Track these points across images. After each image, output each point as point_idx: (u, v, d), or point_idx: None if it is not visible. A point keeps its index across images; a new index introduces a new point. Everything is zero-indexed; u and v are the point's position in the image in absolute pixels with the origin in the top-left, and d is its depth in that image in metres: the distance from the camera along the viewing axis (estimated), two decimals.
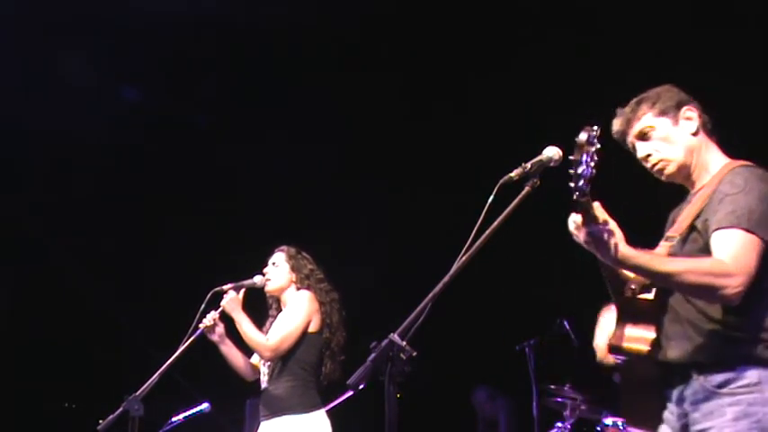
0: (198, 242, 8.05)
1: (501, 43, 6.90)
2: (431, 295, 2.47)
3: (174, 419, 4.95)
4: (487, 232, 2.50)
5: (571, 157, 2.39)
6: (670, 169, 2.81)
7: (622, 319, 2.75)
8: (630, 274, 2.73)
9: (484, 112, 7.31)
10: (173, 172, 7.91)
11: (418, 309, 2.46)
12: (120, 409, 3.84)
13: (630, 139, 2.87)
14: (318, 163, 7.77)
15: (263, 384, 4.42)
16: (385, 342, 2.39)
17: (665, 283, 2.58)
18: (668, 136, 2.79)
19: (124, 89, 7.53)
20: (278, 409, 4.29)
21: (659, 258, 2.56)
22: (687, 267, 2.48)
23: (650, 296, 2.70)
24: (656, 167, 2.83)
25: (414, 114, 7.48)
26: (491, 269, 5.54)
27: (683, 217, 2.72)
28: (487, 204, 2.53)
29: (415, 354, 2.39)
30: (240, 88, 7.52)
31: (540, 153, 2.62)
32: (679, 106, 2.80)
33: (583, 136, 2.38)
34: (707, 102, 2.90)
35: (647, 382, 2.72)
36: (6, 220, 7.80)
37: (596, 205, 2.51)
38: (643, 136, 2.83)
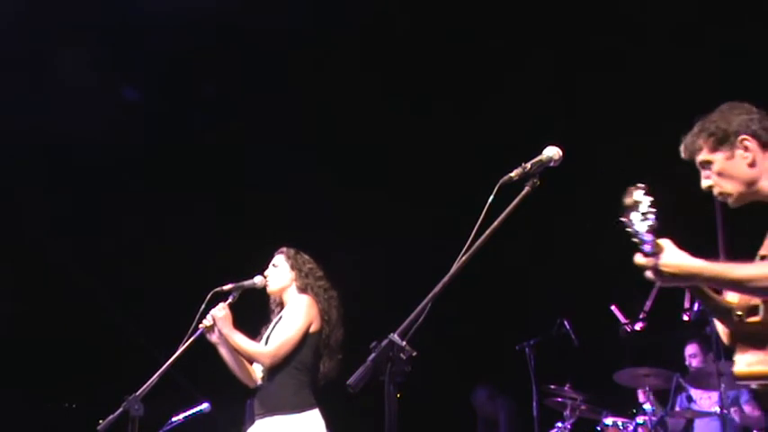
0: (198, 242, 8.06)
1: (504, 44, 6.92)
2: (431, 295, 2.47)
3: (174, 419, 4.95)
4: (487, 232, 2.50)
5: (622, 219, 2.40)
6: (731, 201, 2.80)
7: (741, 347, 2.74)
8: (732, 300, 2.73)
9: (484, 113, 7.31)
10: (173, 172, 7.91)
11: (418, 309, 2.46)
12: (120, 409, 3.84)
13: (697, 165, 2.84)
14: (318, 163, 7.78)
15: (259, 382, 4.44)
16: (385, 342, 2.39)
17: (741, 290, 2.59)
18: (723, 170, 2.75)
19: (125, 89, 7.54)
20: (271, 408, 4.30)
21: (730, 266, 2.53)
22: (760, 272, 2.49)
23: (758, 318, 2.70)
24: (720, 198, 2.81)
25: (413, 114, 7.48)
26: (492, 269, 5.55)
27: None
28: (487, 204, 2.53)
29: (415, 354, 2.39)
30: (240, 89, 7.52)
31: (540, 153, 2.62)
32: (735, 136, 2.72)
33: (627, 199, 2.39)
34: None
35: None
36: (7, 220, 7.80)
37: (663, 242, 2.50)
38: (704, 165, 2.80)
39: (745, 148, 2.71)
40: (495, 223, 2.52)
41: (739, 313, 2.72)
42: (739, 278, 2.48)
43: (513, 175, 2.59)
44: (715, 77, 6.12)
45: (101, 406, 4.24)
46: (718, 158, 2.75)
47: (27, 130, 7.16)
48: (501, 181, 2.57)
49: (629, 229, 2.40)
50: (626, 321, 6.05)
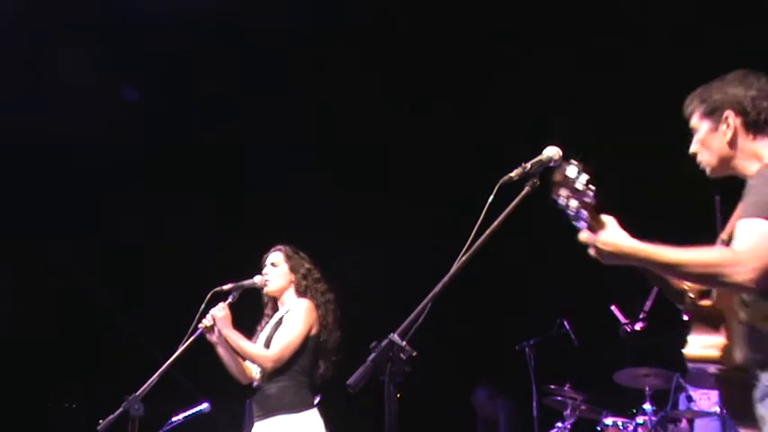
0: (198, 242, 8.05)
1: (505, 44, 6.92)
2: (431, 295, 2.47)
3: (174, 419, 4.95)
4: (487, 232, 2.50)
5: (553, 196, 2.42)
6: (708, 172, 2.80)
7: (695, 329, 2.76)
8: (685, 285, 2.72)
9: (484, 113, 7.31)
10: (173, 172, 7.91)
11: (418, 309, 2.47)
12: (120, 409, 3.85)
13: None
14: (318, 163, 7.77)
15: (256, 383, 4.45)
16: (385, 342, 2.39)
17: (674, 274, 2.58)
18: (705, 141, 2.75)
19: (125, 89, 7.53)
20: (271, 409, 4.31)
21: (665, 249, 2.50)
22: (692, 258, 2.46)
23: (709, 301, 2.70)
24: (700, 166, 2.81)
25: (413, 114, 7.48)
26: (492, 269, 5.55)
27: (734, 218, 2.72)
28: (487, 204, 2.53)
29: (414, 354, 2.40)
30: (240, 89, 7.52)
31: (540, 153, 2.62)
32: (722, 110, 2.70)
33: (557, 176, 2.40)
34: None
35: (739, 384, 2.67)
36: (7, 220, 7.80)
37: (606, 219, 2.51)
38: (694, 130, 2.80)
39: (728, 125, 2.70)
40: (495, 223, 2.52)
41: (692, 296, 2.73)
42: (671, 262, 2.47)
43: (513, 175, 2.59)
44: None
45: (101, 406, 4.24)
46: (704, 128, 2.75)
47: (27, 130, 7.15)
48: (501, 181, 2.57)
49: (558, 206, 2.40)
50: (626, 321, 6.05)
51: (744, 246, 2.44)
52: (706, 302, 2.70)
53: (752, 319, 2.56)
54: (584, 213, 2.40)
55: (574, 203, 2.39)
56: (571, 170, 2.39)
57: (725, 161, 2.73)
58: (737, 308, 2.62)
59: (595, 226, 2.47)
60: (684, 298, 2.76)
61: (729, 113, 2.69)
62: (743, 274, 2.39)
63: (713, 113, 2.72)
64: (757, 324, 2.54)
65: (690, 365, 2.77)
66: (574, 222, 2.44)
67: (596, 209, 2.43)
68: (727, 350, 2.65)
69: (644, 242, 2.48)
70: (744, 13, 6.06)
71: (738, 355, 2.62)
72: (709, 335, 2.69)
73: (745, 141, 2.69)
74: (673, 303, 2.88)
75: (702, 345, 2.70)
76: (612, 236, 2.48)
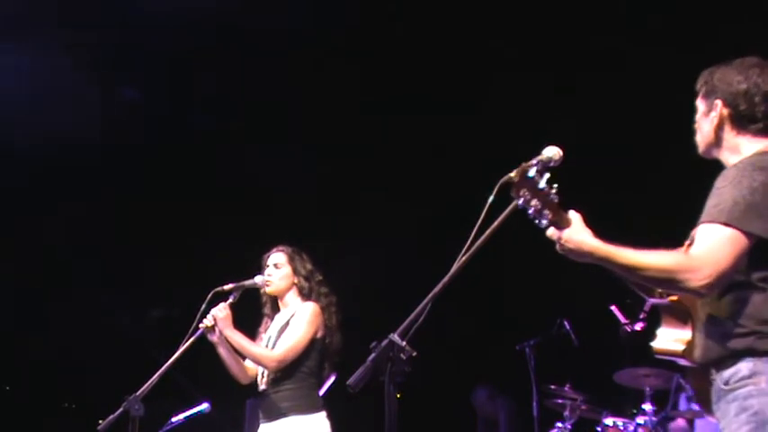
0: (198, 242, 8.06)
1: (505, 44, 6.91)
2: (431, 295, 2.48)
3: (174, 419, 4.95)
4: (487, 232, 2.51)
5: (512, 194, 2.46)
6: (699, 151, 2.79)
7: (663, 321, 2.79)
8: None
9: (484, 113, 7.31)
10: (173, 172, 7.91)
11: (418, 309, 2.47)
12: (121, 409, 3.85)
13: None
14: (318, 163, 7.78)
15: (262, 387, 4.44)
16: (385, 342, 2.40)
17: (631, 276, 2.58)
18: (698, 121, 2.77)
19: (125, 89, 7.53)
20: (281, 412, 4.32)
21: (624, 251, 2.52)
22: (649, 262, 2.48)
23: (675, 297, 2.73)
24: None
25: (413, 114, 7.48)
26: (491, 269, 5.55)
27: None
28: (488, 204, 2.53)
29: (414, 354, 2.40)
30: (240, 89, 7.52)
31: (539, 153, 2.62)
32: (715, 96, 2.69)
33: (515, 176, 2.44)
34: None
35: (706, 380, 2.68)
36: (7, 220, 7.80)
37: (572, 216, 2.53)
38: (696, 108, 2.80)
39: (716, 114, 2.69)
40: (495, 223, 2.53)
41: (660, 290, 2.75)
42: (628, 264, 2.49)
43: (513, 175, 2.59)
44: None
45: (101, 406, 4.24)
46: (700, 108, 2.76)
47: (27, 130, 7.15)
48: (501, 181, 2.58)
49: (519, 205, 2.45)
50: (626, 321, 6.05)
51: (700, 251, 2.46)
52: (672, 297, 2.73)
53: (713, 313, 2.58)
54: (547, 213, 2.44)
55: (535, 203, 2.42)
56: (532, 171, 2.42)
57: (710, 147, 2.74)
58: (701, 304, 2.64)
59: (560, 223, 2.50)
60: (653, 291, 2.78)
61: (719, 103, 2.69)
62: (697, 280, 2.42)
63: (708, 97, 2.73)
64: (720, 319, 2.55)
65: (659, 357, 2.79)
66: (536, 222, 2.47)
67: (560, 206, 2.45)
68: (690, 345, 2.68)
69: (614, 244, 2.51)
70: (744, 12, 6.06)
71: (697, 352, 2.64)
72: (678, 329, 2.73)
73: (729, 133, 2.69)
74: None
75: (668, 338, 2.74)
76: (574, 233, 2.51)
